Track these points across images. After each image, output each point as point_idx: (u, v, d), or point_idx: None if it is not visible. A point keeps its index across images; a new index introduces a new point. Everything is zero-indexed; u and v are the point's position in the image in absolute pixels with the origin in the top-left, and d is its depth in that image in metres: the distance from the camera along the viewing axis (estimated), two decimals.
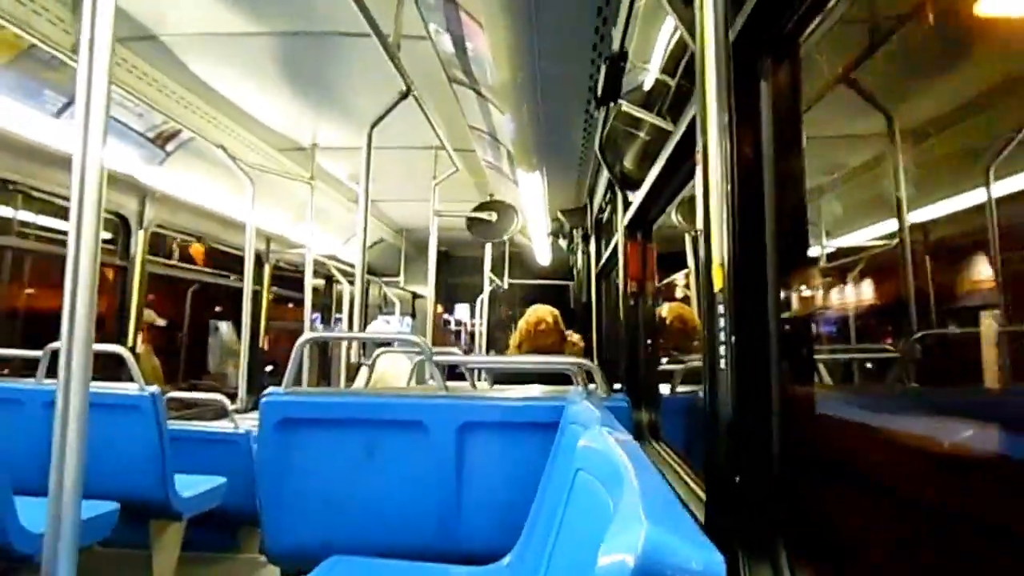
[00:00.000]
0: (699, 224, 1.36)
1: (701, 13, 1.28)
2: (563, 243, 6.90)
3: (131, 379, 3.14)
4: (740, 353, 1.20)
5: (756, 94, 1.25)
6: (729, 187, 1.23)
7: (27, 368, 3.22)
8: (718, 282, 1.25)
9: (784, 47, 1.24)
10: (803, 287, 1.33)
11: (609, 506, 0.78)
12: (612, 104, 2.55)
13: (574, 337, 4.54)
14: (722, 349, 1.23)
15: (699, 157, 1.35)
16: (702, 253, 1.34)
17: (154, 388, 3.08)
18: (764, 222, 1.23)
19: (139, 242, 4.68)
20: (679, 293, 4.18)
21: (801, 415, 1.24)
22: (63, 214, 3.72)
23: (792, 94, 1.26)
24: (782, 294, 1.27)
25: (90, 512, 2.69)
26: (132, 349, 4.56)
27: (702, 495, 1.76)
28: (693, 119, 1.56)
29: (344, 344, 3.58)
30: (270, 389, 2.31)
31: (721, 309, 1.24)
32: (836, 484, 1.33)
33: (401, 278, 8.40)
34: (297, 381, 2.40)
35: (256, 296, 6.37)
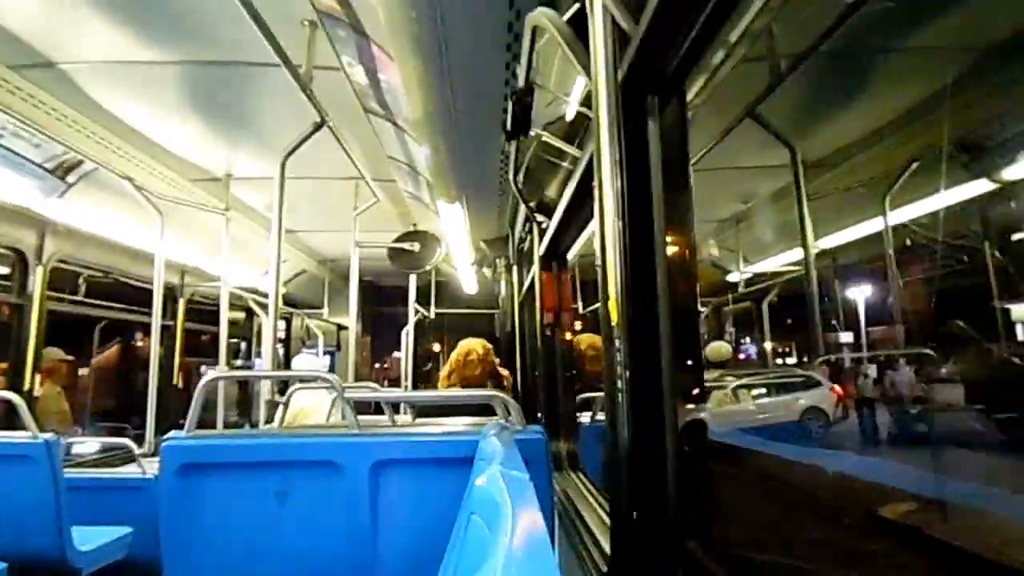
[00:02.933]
0: (597, 259, 1.37)
1: (594, 52, 1.31)
2: (488, 272, 6.91)
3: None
4: (635, 386, 1.21)
5: (644, 132, 1.28)
6: (621, 222, 1.25)
7: None
8: (614, 316, 1.26)
9: (669, 88, 1.28)
10: (694, 319, 1.36)
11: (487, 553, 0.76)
12: (523, 138, 2.58)
13: (504, 372, 4.54)
14: (619, 383, 1.24)
15: (596, 194, 1.38)
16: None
17: (48, 435, 2.89)
18: (655, 257, 1.26)
19: (38, 278, 4.42)
20: None
21: (695, 445, 1.26)
22: None
23: (679, 132, 1.30)
24: (673, 325, 1.30)
25: None
26: (29, 393, 4.27)
27: None
28: (592, 155, 1.59)
29: (262, 382, 3.46)
30: (171, 433, 2.19)
31: (617, 343, 1.25)
32: (731, 511, 1.35)
33: (325, 310, 8.22)
34: (203, 423, 2.29)
35: (169, 331, 6.12)
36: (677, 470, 1.20)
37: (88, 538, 3.05)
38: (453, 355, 3.88)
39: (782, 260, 4.72)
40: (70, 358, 5.71)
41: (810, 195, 3.09)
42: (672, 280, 1.24)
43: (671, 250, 1.26)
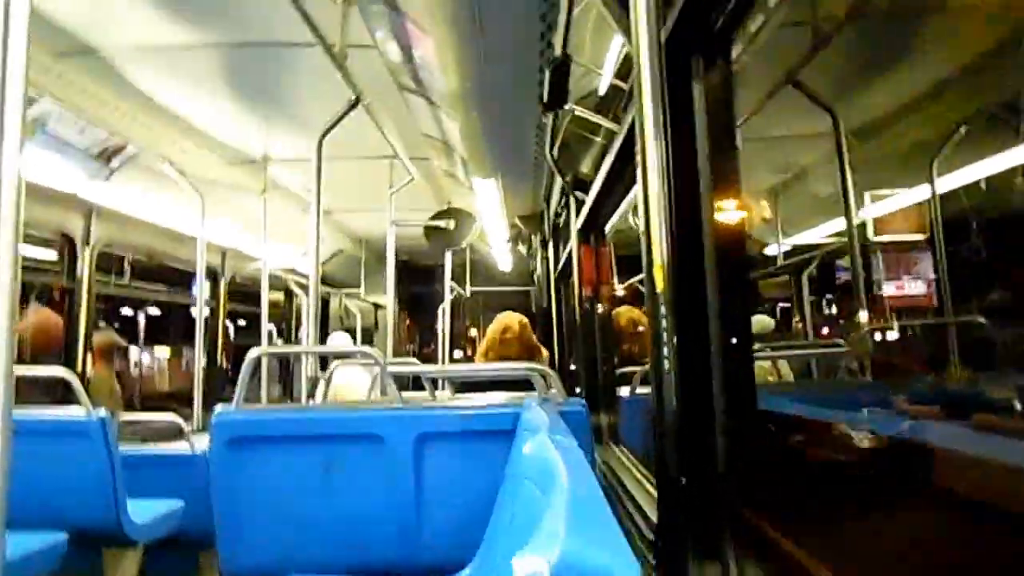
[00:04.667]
0: (641, 225, 1.36)
1: (635, 13, 1.29)
2: (523, 249, 6.91)
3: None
4: (683, 354, 1.20)
5: (689, 93, 1.26)
6: (667, 187, 1.23)
7: None
8: (659, 283, 1.25)
9: (715, 46, 1.25)
10: (744, 285, 1.34)
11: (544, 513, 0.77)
12: (560, 109, 2.55)
13: (543, 352, 4.53)
14: (665, 350, 1.23)
15: (639, 159, 1.36)
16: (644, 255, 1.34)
17: (102, 411, 2.98)
18: (702, 221, 1.24)
19: (86, 261, 4.54)
20: None
21: (744, 412, 1.24)
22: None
23: (725, 93, 1.26)
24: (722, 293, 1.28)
25: (36, 544, 2.59)
26: (81, 373, 4.41)
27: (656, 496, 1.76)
28: (634, 121, 1.57)
29: (304, 358, 3.51)
30: (220, 407, 2.25)
31: (663, 310, 1.24)
32: (780, 478, 1.33)
33: (362, 289, 8.31)
34: (252, 398, 2.34)
35: (212, 312, 6.25)
36: (727, 436, 1.19)
37: (142, 511, 3.15)
38: (489, 331, 3.86)
39: (825, 231, 4.61)
40: (124, 343, 5.86)
41: (853, 163, 3.01)
42: (719, 245, 1.22)
43: (718, 215, 1.24)
